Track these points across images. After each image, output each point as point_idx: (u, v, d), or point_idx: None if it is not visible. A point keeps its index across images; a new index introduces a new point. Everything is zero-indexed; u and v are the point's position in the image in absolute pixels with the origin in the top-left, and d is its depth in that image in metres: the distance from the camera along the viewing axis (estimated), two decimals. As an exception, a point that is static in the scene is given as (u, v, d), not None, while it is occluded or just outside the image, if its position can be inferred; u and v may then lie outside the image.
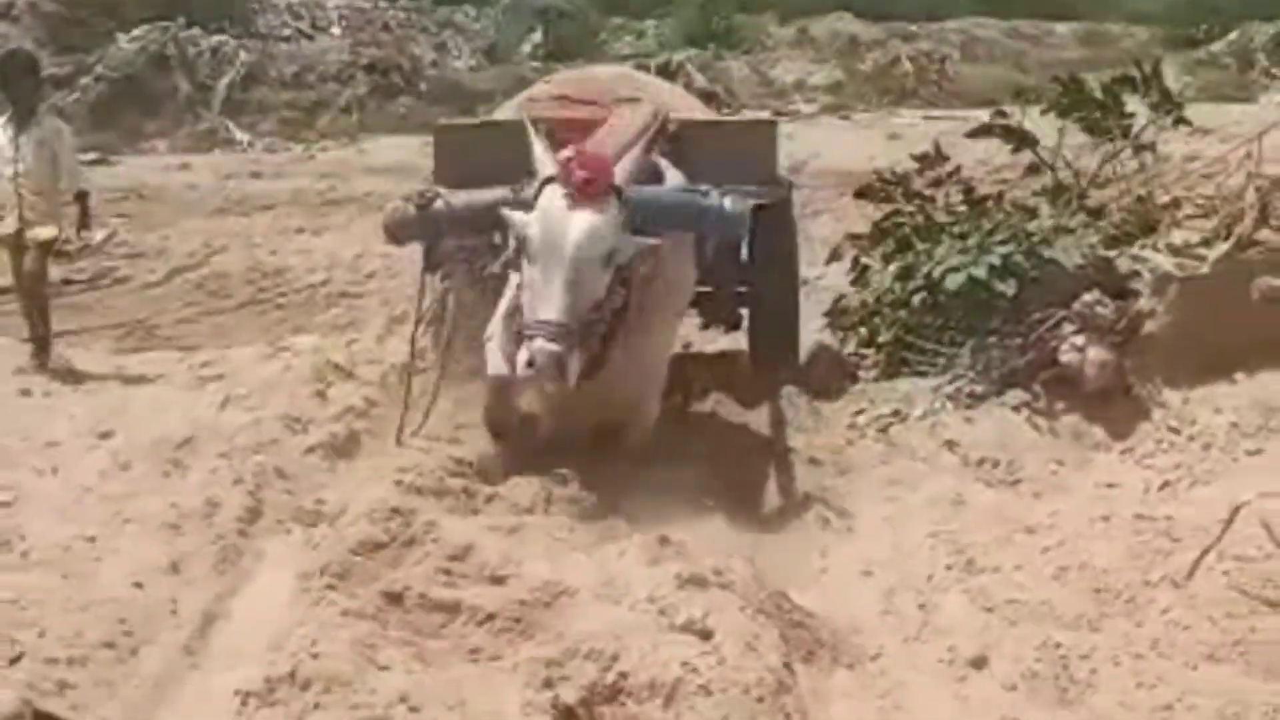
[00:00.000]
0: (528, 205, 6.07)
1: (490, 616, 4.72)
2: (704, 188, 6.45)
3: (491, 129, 7.63)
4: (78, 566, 5.13)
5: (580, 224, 5.82)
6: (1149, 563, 5.03)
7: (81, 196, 8.88)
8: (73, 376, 8.43)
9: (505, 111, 8.43)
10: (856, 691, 4.44)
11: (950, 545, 5.44)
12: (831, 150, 15.24)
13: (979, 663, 4.50)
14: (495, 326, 6.62)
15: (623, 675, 4.22)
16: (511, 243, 6.14)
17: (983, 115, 9.06)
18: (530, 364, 5.74)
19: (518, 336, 6.01)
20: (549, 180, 6.03)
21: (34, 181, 8.58)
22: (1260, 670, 4.29)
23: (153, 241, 14.39)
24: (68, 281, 12.13)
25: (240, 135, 21.81)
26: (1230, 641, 4.43)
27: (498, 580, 4.99)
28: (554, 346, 5.67)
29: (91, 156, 17.64)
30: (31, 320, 8.61)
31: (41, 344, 8.55)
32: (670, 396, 7.14)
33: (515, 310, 6.20)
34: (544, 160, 6.21)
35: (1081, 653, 4.41)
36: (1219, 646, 4.41)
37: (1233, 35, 25.52)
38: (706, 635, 4.42)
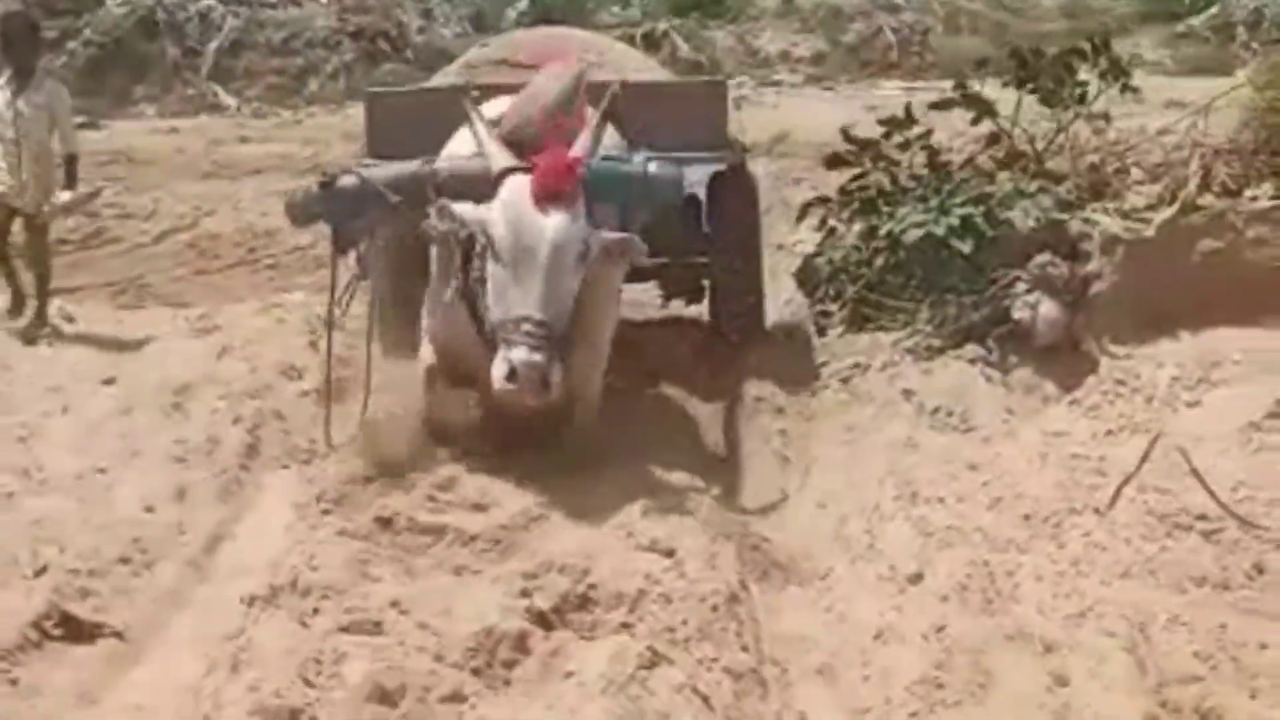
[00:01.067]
0: (464, 185, 5.83)
1: (473, 538, 5.22)
2: (627, 155, 6.27)
3: (426, 96, 7.38)
4: (92, 494, 5.61)
5: (556, 227, 5.53)
6: (1076, 494, 5.53)
7: (72, 159, 9.05)
8: (73, 328, 8.86)
9: (443, 78, 8.31)
10: (805, 605, 4.94)
11: (899, 480, 5.94)
12: (813, 121, 15.65)
13: (915, 579, 5.01)
14: (427, 318, 6.29)
15: (591, 586, 4.73)
16: (457, 232, 5.72)
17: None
18: (510, 376, 5.34)
19: (486, 339, 5.67)
20: (508, 171, 5.72)
21: (33, 144, 8.72)
22: (1167, 585, 4.79)
23: (143, 203, 14.77)
24: (62, 241, 12.54)
25: (228, 100, 22.11)
26: (1142, 560, 4.93)
27: (480, 508, 5.48)
28: (538, 357, 5.29)
29: (80, 120, 17.97)
30: (15, 282, 8.81)
31: (41, 310, 8.75)
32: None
33: (453, 301, 5.88)
34: (488, 145, 5.90)
35: (1008, 570, 4.92)
36: (1132, 565, 4.91)
37: (1213, 10, 25.90)
38: (670, 553, 4.93)
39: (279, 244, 13.17)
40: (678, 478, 6.08)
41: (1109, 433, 6.78)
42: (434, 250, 6.15)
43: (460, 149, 6.25)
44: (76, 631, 4.49)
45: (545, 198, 5.53)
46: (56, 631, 4.45)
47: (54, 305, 9.11)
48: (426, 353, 6.25)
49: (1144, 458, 5.54)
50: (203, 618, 4.68)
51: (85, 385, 7.55)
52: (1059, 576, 4.85)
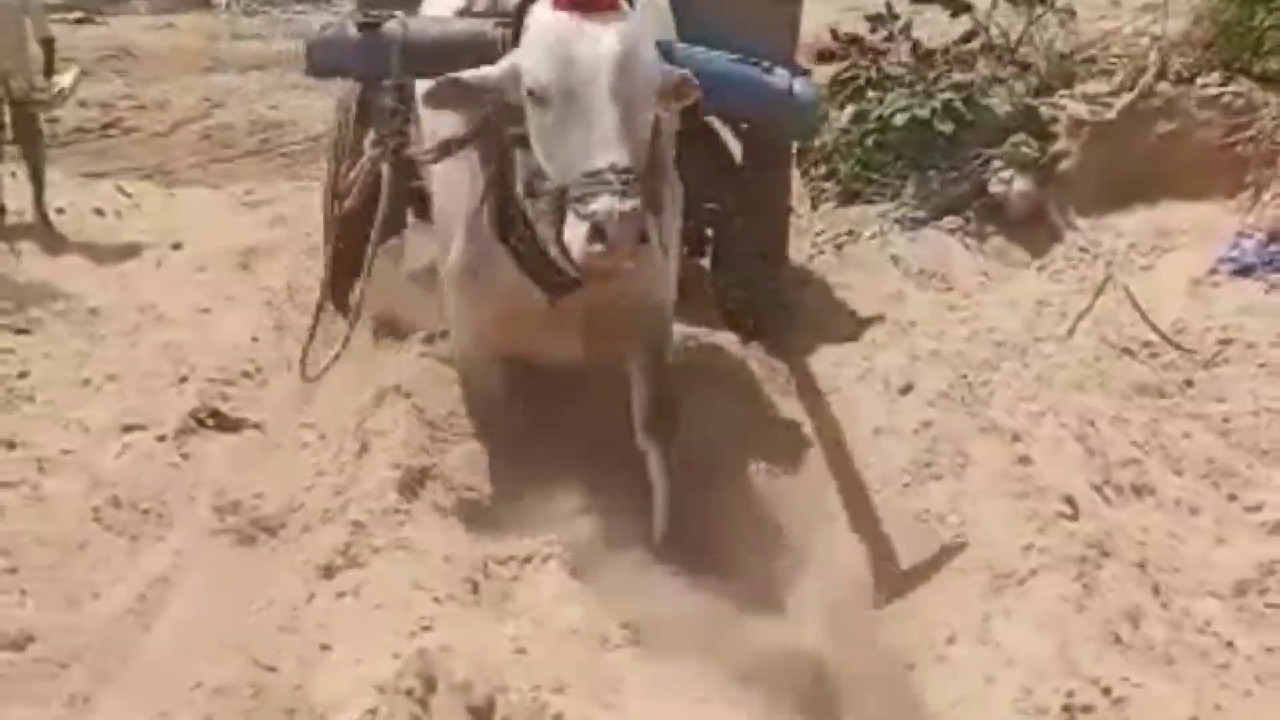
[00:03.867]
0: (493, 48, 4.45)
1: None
2: (764, 61, 5.01)
3: None
4: (205, 328, 6.71)
5: (617, 38, 4.07)
6: (1041, 328, 6.71)
7: (48, 43, 9.51)
8: (132, 202, 9.89)
9: None
10: (820, 409, 6.07)
11: (891, 320, 7.09)
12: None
13: (906, 390, 6.17)
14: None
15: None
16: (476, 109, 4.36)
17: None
18: (597, 235, 3.86)
19: (547, 207, 4.18)
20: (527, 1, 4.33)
21: (10, 33, 9.17)
22: (1114, 393, 5.95)
23: (154, 95, 15.65)
24: (83, 130, 13.50)
25: (218, -2, 22.84)
26: (1094, 375, 6.09)
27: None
28: (628, 203, 3.85)
29: (76, 16, 18.88)
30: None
31: (39, 203, 9.12)
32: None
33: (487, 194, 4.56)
34: None
35: (983, 381, 6.09)
36: (1085, 379, 6.07)
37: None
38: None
39: (290, 135, 14.10)
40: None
41: (1075, 292, 7.92)
42: (435, 172, 4.95)
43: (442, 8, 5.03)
44: (225, 423, 5.60)
45: (588, 5, 4.12)
46: (210, 422, 5.57)
47: (108, 184, 10.14)
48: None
49: (1097, 293, 6.72)
50: (327, 408, 5.68)
51: (157, 251, 8.61)
52: (1024, 386, 6.00)
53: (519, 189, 4.35)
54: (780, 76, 4.95)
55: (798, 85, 4.98)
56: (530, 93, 4.14)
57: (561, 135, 4.07)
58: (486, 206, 4.53)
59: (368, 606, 4.18)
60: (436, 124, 4.64)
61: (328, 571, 4.42)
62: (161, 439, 5.39)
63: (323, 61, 4.98)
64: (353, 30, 4.81)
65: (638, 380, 4.89)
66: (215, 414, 5.62)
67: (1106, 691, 4.05)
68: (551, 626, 4.14)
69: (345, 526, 4.59)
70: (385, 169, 5.05)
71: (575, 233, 3.95)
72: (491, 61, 4.30)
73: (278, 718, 3.72)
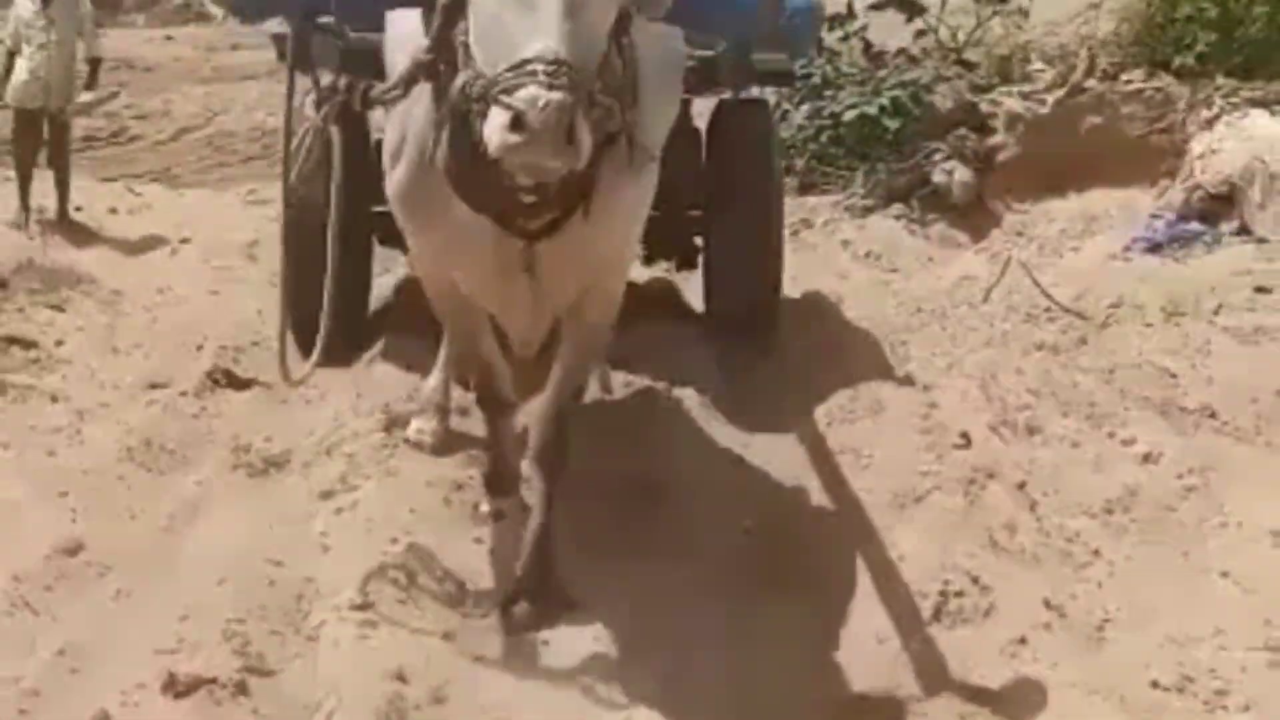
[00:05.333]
0: None
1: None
2: None
3: None
4: (216, 305, 7.64)
5: None
6: (959, 297, 7.67)
7: (95, 63, 10.41)
8: (143, 201, 10.83)
9: None
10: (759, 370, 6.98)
11: (831, 294, 8.03)
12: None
13: (836, 351, 7.12)
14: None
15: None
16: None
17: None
18: (517, 124, 3.45)
19: (478, 107, 3.65)
20: None
21: (62, 51, 9.98)
22: (1015, 350, 6.94)
23: (156, 105, 16.61)
24: (91, 139, 14.41)
25: (214, 10, 23.73)
26: (1000, 334, 7.08)
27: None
28: (555, 94, 3.43)
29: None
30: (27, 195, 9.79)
31: (62, 205, 9.88)
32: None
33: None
34: None
35: (901, 340, 7.04)
36: (992, 337, 7.05)
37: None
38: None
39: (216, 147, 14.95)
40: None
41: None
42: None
43: None
44: (236, 382, 6.52)
45: None
46: (223, 381, 6.50)
47: (120, 186, 11.08)
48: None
49: (1003, 269, 7.68)
50: (324, 373, 6.56)
51: (168, 245, 9.54)
52: (938, 344, 6.98)
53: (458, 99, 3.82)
54: None
55: None
56: None
57: (498, 23, 3.68)
58: (436, 129, 4.06)
59: (360, 519, 5.09)
60: (397, 59, 4.40)
61: (327, 495, 5.35)
62: (183, 394, 6.31)
63: (255, 2, 4.73)
64: None
65: (547, 398, 4.81)
66: (228, 374, 6.54)
67: (976, 580, 4.94)
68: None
69: (341, 460, 5.53)
70: (336, 134, 4.76)
71: (494, 124, 3.52)
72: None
73: (288, 600, 4.61)
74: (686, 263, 7.21)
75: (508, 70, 3.54)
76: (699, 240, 7.03)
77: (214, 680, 4.07)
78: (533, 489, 4.90)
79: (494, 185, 3.88)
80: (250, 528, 5.14)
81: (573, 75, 3.51)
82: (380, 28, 4.89)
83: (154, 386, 6.46)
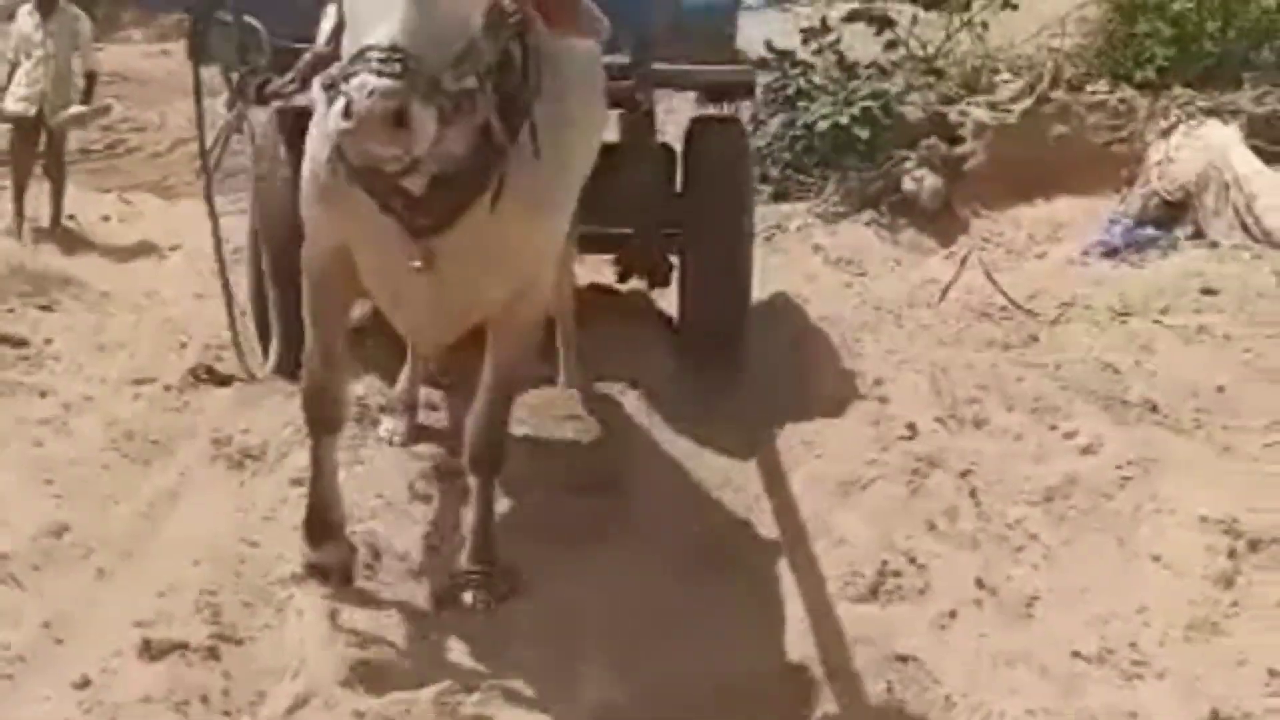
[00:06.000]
0: None
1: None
2: None
3: None
4: (201, 307, 7.94)
5: None
6: (919, 298, 8.00)
7: (91, 76, 10.76)
8: (132, 210, 11.17)
9: None
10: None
11: (796, 294, 8.36)
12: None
13: (793, 348, 7.46)
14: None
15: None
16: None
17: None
18: (347, 112, 3.56)
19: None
20: None
21: (58, 67, 10.36)
22: (968, 347, 7.31)
23: (151, 118, 16.87)
24: (87, 151, 14.73)
25: (210, 25, 24.11)
26: (953, 332, 7.44)
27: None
28: (385, 82, 3.52)
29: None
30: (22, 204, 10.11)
31: (55, 213, 10.28)
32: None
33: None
34: None
35: (857, 339, 7.38)
36: (945, 335, 7.40)
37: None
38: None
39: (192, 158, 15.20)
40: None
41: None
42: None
43: None
44: (218, 378, 6.85)
45: None
46: (205, 377, 6.83)
47: (113, 195, 11.42)
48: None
49: (959, 270, 8.02)
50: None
51: (157, 251, 9.89)
52: (893, 342, 7.32)
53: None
54: None
55: None
56: None
57: (355, 15, 3.84)
58: None
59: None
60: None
61: (299, 483, 5.64)
62: (167, 389, 6.65)
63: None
64: None
65: (478, 400, 4.88)
66: (210, 371, 6.88)
67: (913, 560, 5.26)
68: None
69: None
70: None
71: (333, 111, 3.64)
72: None
73: (259, 576, 4.94)
74: (660, 280, 7.22)
75: (351, 60, 3.68)
76: (674, 259, 7.06)
77: (186, 645, 4.39)
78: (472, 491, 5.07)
79: (379, 176, 3.94)
80: (227, 513, 5.48)
81: (409, 63, 3.57)
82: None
83: (139, 382, 6.79)
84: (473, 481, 5.03)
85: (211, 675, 4.35)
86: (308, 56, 4.17)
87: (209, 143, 5.17)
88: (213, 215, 5.58)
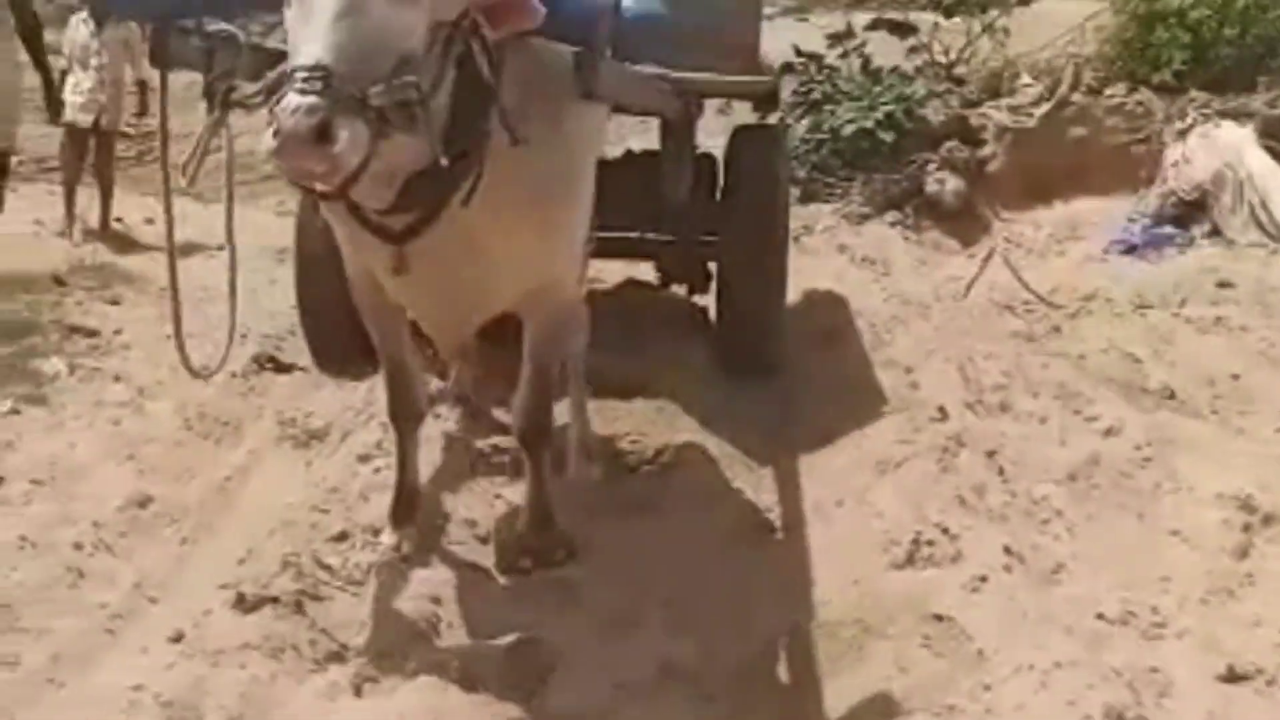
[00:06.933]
0: None
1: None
2: None
3: None
4: (255, 301, 8.28)
5: None
6: (944, 292, 8.39)
7: (143, 84, 11.02)
8: (177, 213, 11.50)
9: None
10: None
11: (825, 293, 8.75)
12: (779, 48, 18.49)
13: (829, 339, 7.85)
14: None
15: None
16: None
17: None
18: (276, 133, 3.60)
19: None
20: None
21: (112, 74, 10.71)
22: (992, 339, 7.66)
23: (177, 127, 17.25)
24: (119, 158, 15.11)
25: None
26: (978, 325, 7.82)
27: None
28: (309, 99, 3.57)
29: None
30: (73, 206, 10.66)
31: (105, 215, 10.83)
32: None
33: None
34: None
35: (888, 331, 7.78)
36: (970, 328, 7.78)
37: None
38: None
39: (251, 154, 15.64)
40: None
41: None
42: None
43: None
44: (280, 366, 7.27)
45: None
46: (269, 366, 7.24)
47: (152, 199, 11.77)
48: None
49: (984, 264, 8.43)
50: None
51: (206, 249, 10.26)
52: (921, 334, 7.70)
53: None
54: None
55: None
56: None
57: (292, 34, 3.85)
58: None
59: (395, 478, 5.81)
60: None
61: (364, 459, 6.07)
62: (233, 375, 7.04)
63: (118, 2, 4.70)
64: None
65: (522, 379, 5.15)
66: (272, 359, 7.29)
67: (945, 531, 5.64)
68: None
69: (376, 429, 6.25)
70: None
71: (268, 130, 3.65)
72: None
73: (335, 544, 5.33)
74: (700, 287, 7.50)
75: (282, 80, 3.74)
76: (713, 265, 7.27)
77: (276, 599, 4.81)
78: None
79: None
80: (297, 487, 5.89)
81: (332, 81, 3.61)
82: None
83: (205, 368, 7.18)
84: (525, 456, 5.40)
85: (299, 628, 4.76)
86: (273, 74, 4.10)
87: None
88: (169, 216, 5.54)
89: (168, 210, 5.43)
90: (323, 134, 3.57)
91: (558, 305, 5.02)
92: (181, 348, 5.27)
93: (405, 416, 5.37)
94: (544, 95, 4.41)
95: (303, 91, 3.59)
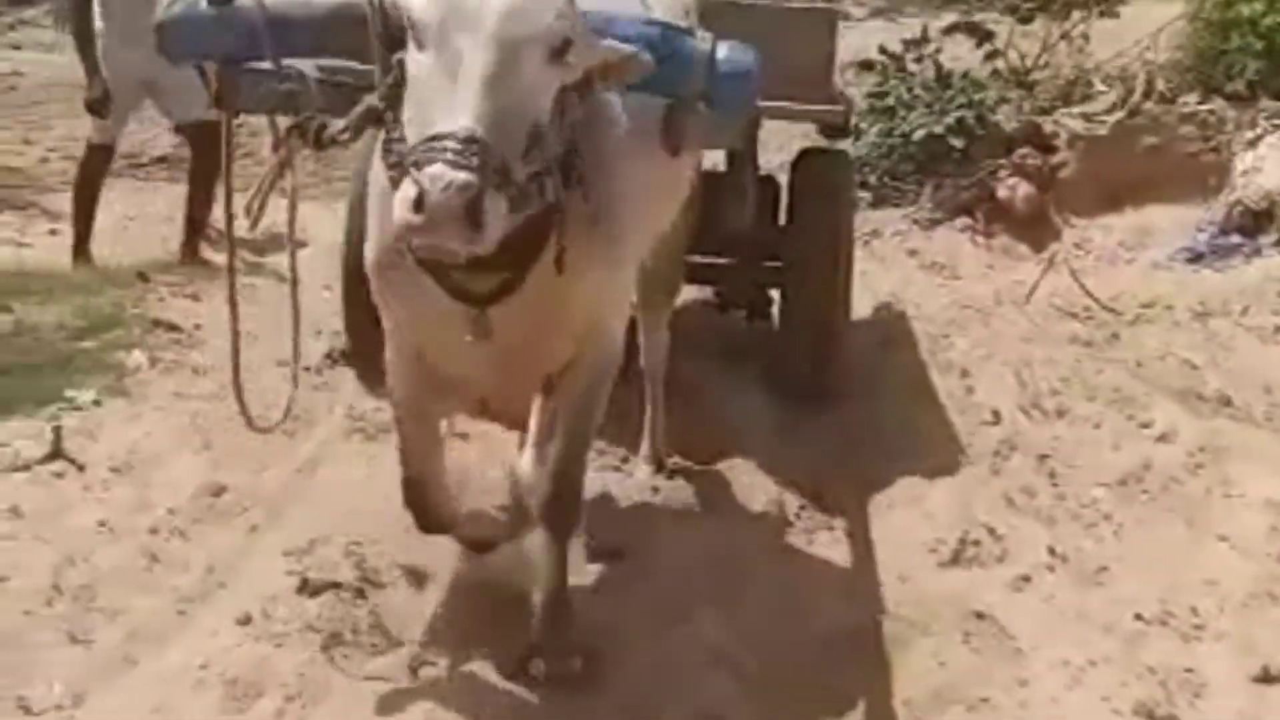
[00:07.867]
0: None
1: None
2: (684, 24, 4.49)
3: None
4: (330, 299, 8.53)
5: None
6: (1006, 297, 8.56)
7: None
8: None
9: None
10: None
11: (892, 294, 8.94)
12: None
13: (886, 343, 8.02)
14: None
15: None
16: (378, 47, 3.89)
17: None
18: (417, 205, 3.40)
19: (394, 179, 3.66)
20: None
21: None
22: (1051, 344, 7.80)
23: (251, 121, 17.66)
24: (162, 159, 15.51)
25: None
26: (1039, 330, 7.97)
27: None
28: (461, 175, 3.37)
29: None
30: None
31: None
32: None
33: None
34: None
35: (946, 335, 7.95)
36: (1032, 334, 7.93)
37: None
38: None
39: (318, 156, 15.95)
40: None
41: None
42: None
43: None
44: (351, 361, 7.56)
45: None
46: (340, 360, 7.53)
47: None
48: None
49: (1045, 269, 8.58)
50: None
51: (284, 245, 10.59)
52: (980, 340, 7.88)
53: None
54: (696, 41, 4.16)
55: (723, 51, 4.16)
56: (411, 26, 3.64)
57: (426, 90, 3.60)
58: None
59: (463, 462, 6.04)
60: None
61: (433, 449, 6.32)
62: (306, 369, 7.31)
63: (176, 44, 4.48)
64: (204, 5, 4.31)
65: (554, 446, 4.68)
66: (344, 354, 7.57)
67: (991, 531, 5.83)
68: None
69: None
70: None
71: (400, 197, 3.45)
72: (364, 34, 3.91)
73: (398, 531, 5.55)
74: (759, 313, 7.54)
75: (422, 142, 3.48)
76: (774, 292, 7.26)
77: (339, 585, 5.10)
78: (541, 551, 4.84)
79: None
80: (365, 479, 6.15)
81: (485, 155, 3.41)
82: None
83: (281, 364, 7.47)
84: (544, 533, 4.73)
85: (361, 612, 5.04)
86: (360, 109, 3.98)
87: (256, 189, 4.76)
88: (231, 262, 5.43)
89: (230, 256, 5.30)
90: (473, 213, 3.39)
91: (605, 351, 4.55)
92: (240, 396, 5.13)
93: (437, 530, 5.08)
94: (621, 150, 4.21)
95: (455, 165, 3.37)
